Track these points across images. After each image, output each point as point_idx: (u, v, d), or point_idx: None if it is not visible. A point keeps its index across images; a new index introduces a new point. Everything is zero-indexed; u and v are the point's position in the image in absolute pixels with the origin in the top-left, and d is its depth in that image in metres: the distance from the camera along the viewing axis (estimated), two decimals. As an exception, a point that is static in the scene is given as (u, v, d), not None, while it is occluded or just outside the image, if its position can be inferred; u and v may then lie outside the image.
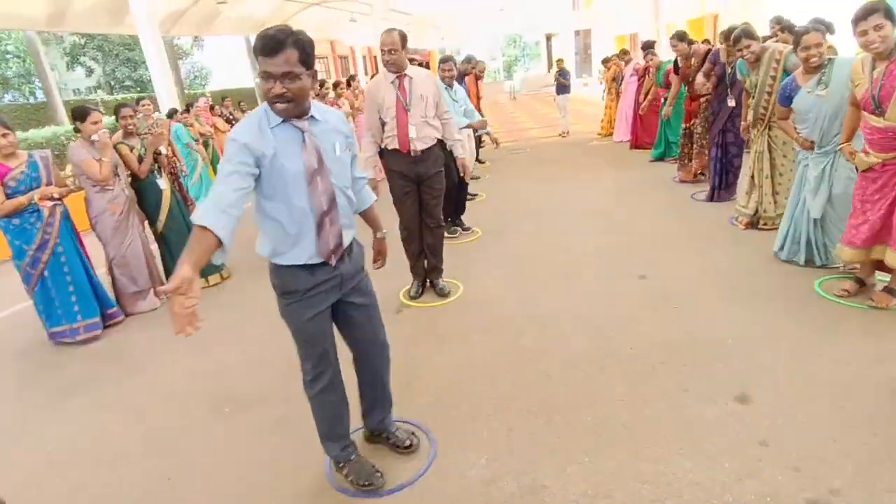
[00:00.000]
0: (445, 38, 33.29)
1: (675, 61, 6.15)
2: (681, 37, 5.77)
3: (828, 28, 5.75)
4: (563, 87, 11.06)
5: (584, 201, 5.88)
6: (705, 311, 3.16)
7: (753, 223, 4.28)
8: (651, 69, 7.65)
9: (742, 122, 4.28)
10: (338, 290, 1.94)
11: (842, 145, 2.88)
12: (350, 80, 9.84)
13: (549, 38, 34.85)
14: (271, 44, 1.59)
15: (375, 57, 30.46)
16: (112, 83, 25.42)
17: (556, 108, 11.60)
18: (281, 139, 1.73)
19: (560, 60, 11.74)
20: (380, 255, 2.25)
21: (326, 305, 1.92)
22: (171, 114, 7.18)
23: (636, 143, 8.50)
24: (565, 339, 3.03)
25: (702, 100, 5.56)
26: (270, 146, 1.71)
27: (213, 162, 8.64)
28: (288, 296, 1.87)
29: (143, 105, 6.46)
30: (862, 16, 2.48)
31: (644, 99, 8.03)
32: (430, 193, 3.60)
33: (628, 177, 6.86)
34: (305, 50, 1.66)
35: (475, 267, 4.33)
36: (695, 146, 5.89)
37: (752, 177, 4.12)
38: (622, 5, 24.44)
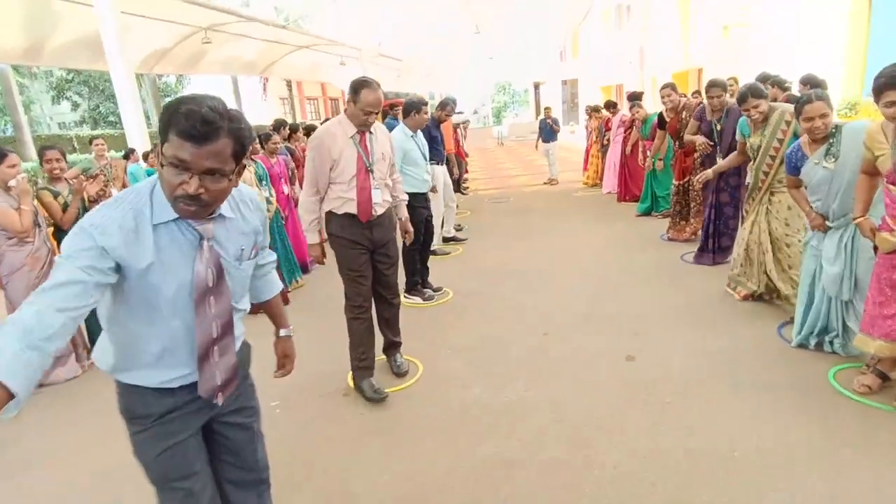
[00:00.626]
0: (435, 84, 33.71)
1: (661, 114, 5.87)
2: (673, 87, 5.52)
3: (819, 86, 5.59)
4: (550, 135, 10.89)
5: (568, 260, 5.44)
6: (703, 409, 2.67)
7: (756, 297, 3.83)
8: (637, 122, 7.43)
9: (709, 172, 4.12)
10: (208, 409, 1.40)
11: (858, 219, 2.48)
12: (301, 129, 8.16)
13: (536, 86, 35.52)
14: (201, 127, 1.13)
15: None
16: (96, 118, 25.13)
17: (542, 155, 11.38)
18: (164, 244, 1.24)
19: (548, 108, 11.62)
20: (286, 360, 1.71)
21: (189, 432, 1.38)
22: (128, 154, 6.72)
23: (624, 196, 8.19)
24: (537, 446, 2.50)
25: (696, 155, 5.26)
26: (147, 255, 1.21)
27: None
28: (134, 422, 1.35)
29: (96, 145, 6.03)
30: (888, 85, 2.12)
31: (631, 151, 7.81)
32: (387, 262, 3.12)
33: (615, 232, 6.48)
34: (243, 142, 1.22)
35: (441, 338, 3.82)
36: (692, 204, 5.53)
37: (746, 249, 3.71)
38: (608, 57, 24.96)
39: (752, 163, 3.64)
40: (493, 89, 50.16)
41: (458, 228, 7.05)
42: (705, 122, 4.71)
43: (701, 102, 7.07)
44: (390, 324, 3.27)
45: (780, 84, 5.88)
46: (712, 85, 4.40)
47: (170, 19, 12.04)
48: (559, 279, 4.85)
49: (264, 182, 4.94)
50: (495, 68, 32.44)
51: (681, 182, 5.60)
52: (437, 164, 5.76)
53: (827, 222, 2.80)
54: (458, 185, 10.32)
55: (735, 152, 3.89)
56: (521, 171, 14.43)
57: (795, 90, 5.90)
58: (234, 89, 20.45)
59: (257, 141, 5.03)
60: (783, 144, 3.37)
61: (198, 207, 1.21)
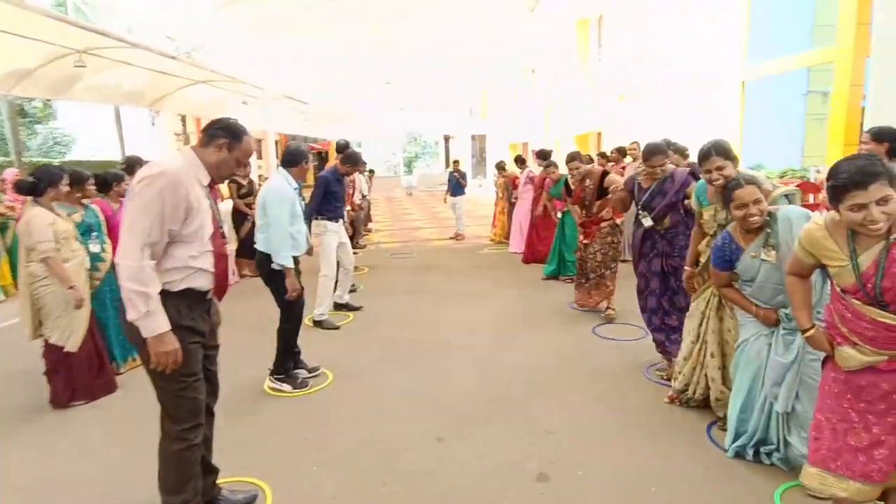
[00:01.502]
0: (344, 131, 33.22)
1: (566, 182, 5.45)
2: (579, 157, 5.17)
3: (680, 152, 5.49)
4: (458, 189, 10.55)
5: (469, 332, 4.80)
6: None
7: (683, 401, 3.23)
8: (549, 181, 7.14)
9: (687, 268, 3.22)
10: None
11: (809, 332, 1.98)
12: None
13: (447, 139, 36.17)
14: None
15: (277, 141, 29.38)
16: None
17: (450, 208, 11.02)
18: None
19: (456, 162, 11.35)
20: None
21: None
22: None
23: (529, 258, 7.83)
24: None
25: (603, 224, 4.92)
26: None
27: (12, 251, 6.71)
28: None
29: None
30: (861, 182, 1.63)
31: (542, 211, 7.56)
32: (215, 356, 2.28)
33: (522, 298, 5.97)
34: None
35: (306, 446, 2.95)
36: (591, 276, 5.09)
37: (693, 344, 3.08)
38: (515, 116, 25.94)
39: (705, 238, 3.05)
40: (404, 139, 50.61)
41: (353, 290, 6.25)
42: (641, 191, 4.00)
43: (604, 168, 6.90)
44: (209, 443, 2.36)
45: (680, 151, 5.82)
46: (653, 152, 3.64)
47: (34, 37, 10.49)
48: (461, 357, 4.17)
49: (95, 233, 3.88)
50: (407, 119, 32.62)
51: (583, 242, 5.15)
52: (334, 220, 5.04)
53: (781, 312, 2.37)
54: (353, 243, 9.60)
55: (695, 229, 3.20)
56: (427, 223, 13.97)
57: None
58: (116, 120, 18.52)
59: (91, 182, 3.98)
60: None
61: None
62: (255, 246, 3.52)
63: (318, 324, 4.94)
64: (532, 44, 22.42)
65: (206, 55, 15.41)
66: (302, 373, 3.73)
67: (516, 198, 8.69)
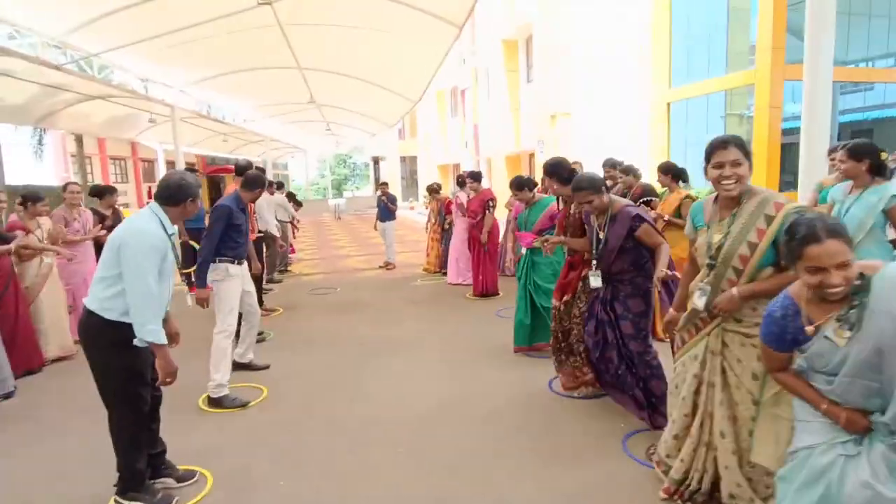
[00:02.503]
0: (269, 152, 31.55)
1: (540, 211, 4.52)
2: (591, 183, 4.11)
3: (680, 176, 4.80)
4: (387, 213, 9.67)
5: (404, 400, 3.85)
6: None
7: (686, 497, 2.37)
8: (517, 206, 5.91)
9: (672, 311, 2.49)
10: None
11: None
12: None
13: (376, 160, 35.35)
14: None
15: (194, 163, 27.24)
16: None
17: (379, 234, 10.12)
18: None
19: (384, 184, 10.38)
20: None
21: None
22: None
23: (480, 290, 6.96)
24: None
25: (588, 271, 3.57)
26: None
27: None
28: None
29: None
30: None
31: (485, 239, 6.87)
32: None
33: (470, 346, 4.96)
34: None
35: None
36: (574, 347, 3.66)
37: (688, 418, 2.35)
38: (444, 137, 25.57)
39: (704, 273, 2.26)
40: (332, 161, 49.24)
41: (260, 338, 5.19)
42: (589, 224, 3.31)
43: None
44: None
45: (631, 171, 5.29)
46: (579, 187, 3.06)
47: None
48: (394, 442, 3.23)
49: None
50: (334, 140, 31.53)
51: (560, 301, 3.76)
52: (236, 261, 3.99)
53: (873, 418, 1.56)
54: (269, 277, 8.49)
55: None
56: (355, 250, 12.96)
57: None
58: (-7, 139, 16.15)
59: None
60: (756, 252, 2.10)
61: None
62: (86, 304, 2.46)
63: (215, 402, 3.73)
64: (461, 63, 22.23)
65: (106, 69, 13.66)
66: (168, 482, 2.67)
67: (449, 224, 7.96)
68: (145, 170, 28.02)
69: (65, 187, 5.35)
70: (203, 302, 3.71)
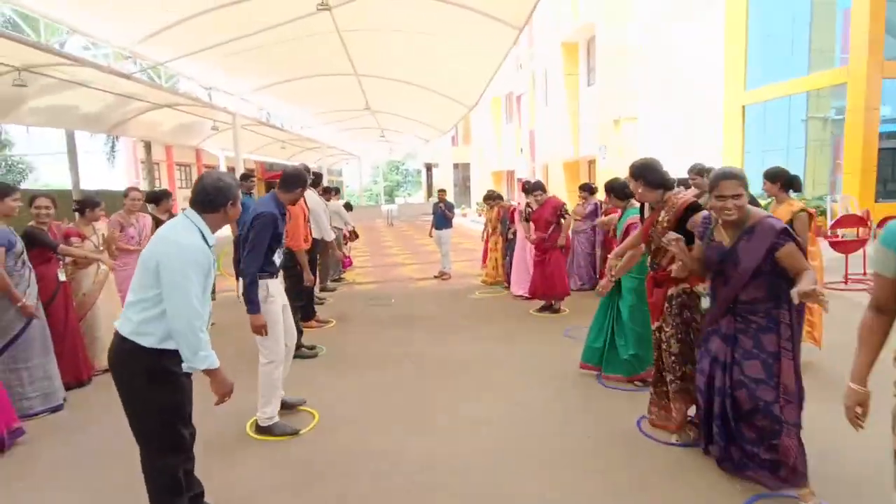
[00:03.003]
0: (324, 158, 32.10)
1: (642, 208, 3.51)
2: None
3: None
4: (443, 221, 9.29)
5: (466, 433, 3.41)
6: None
7: None
8: (609, 216, 5.64)
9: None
10: None
11: None
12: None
13: (429, 167, 35.30)
14: None
15: (253, 168, 27.98)
16: None
17: (434, 242, 9.79)
18: None
19: (442, 191, 10.05)
20: None
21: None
22: None
23: (545, 295, 6.50)
24: None
25: (673, 291, 3.02)
26: None
27: None
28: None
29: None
30: None
31: (562, 242, 6.40)
32: None
33: (538, 368, 4.50)
34: None
35: None
36: (669, 378, 3.08)
37: None
38: (498, 144, 25.13)
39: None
40: (385, 168, 49.74)
41: (313, 353, 4.91)
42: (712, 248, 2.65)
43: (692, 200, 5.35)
44: None
45: (705, 173, 4.68)
46: (725, 176, 2.45)
47: None
48: (453, 491, 2.79)
49: None
50: (388, 146, 31.74)
51: (657, 327, 3.18)
52: (274, 275, 3.48)
53: None
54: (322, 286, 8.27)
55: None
56: (409, 257, 12.70)
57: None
58: (69, 146, 17.03)
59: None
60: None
61: None
62: (118, 329, 2.15)
63: (264, 430, 3.39)
64: (517, 68, 21.76)
65: (172, 78, 14.13)
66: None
67: (514, 234, 7.50)
68: (208, 175, 29.04)
69: (126, 193, 5.30)
70: (261, 330, 3.26)
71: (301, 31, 10.74)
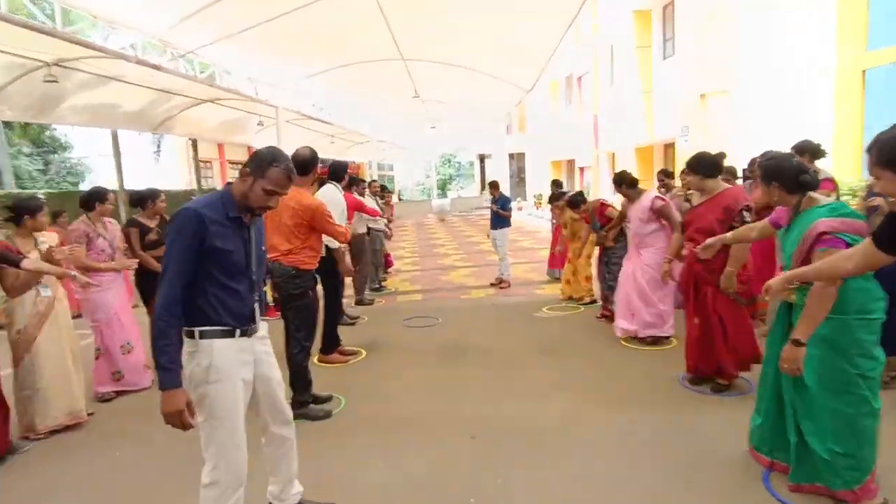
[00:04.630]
0: (374, 152, 31.23)
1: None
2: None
3: (816, 152, 4.09)
4: (500, 220, 7.78)
5: None
6: None
7: None
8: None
9: None
10: None
11: None
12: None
13: (482, 158, 33.80)
14: None
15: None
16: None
17: (488, 240, 8.30)
18: None
19: (494, 184, 8.29)
20: None
21: None
22: None
23: (697, 367, 3.77)
24: None
25: None
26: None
27: None
28: None
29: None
30: None
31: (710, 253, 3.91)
32: None
33: (664, 466, 2.79)
34: None
35: None
36: None
37: None
38: (558, 130, 23.22)
39: None
40: (437, 160, 48.55)
41: (322, 412, 3.58)
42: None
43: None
44: None
45: (810, 150, 4.11)
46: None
47: None
48: None
49: None
50: (439, 138, 30.47)
51: None
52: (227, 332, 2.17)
53: None
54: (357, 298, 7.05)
55: None
56: (460, 259, 11.23)
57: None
58: (113, 146, 16.71)
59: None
60: None
61: None
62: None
63: None
64: (579, 45, 19.79)
65: (209, 68, 13.35)
66: None
67: (613, 240, 5.43)
68: (260, 173, 28.84)
69: (104, 196, 4.18)
70: (177, 418, 1.92)
71: (344, 15, 9.59)
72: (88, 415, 3.69)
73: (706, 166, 3.55)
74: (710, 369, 3.65)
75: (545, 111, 24.74)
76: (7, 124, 18.93)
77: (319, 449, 3.11)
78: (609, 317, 5.43)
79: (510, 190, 27.16)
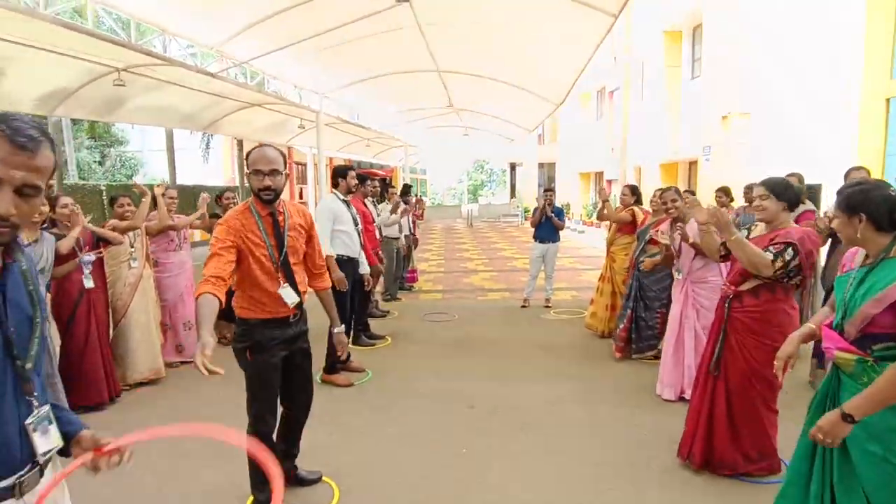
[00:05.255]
0: (408, 157, 32.09)
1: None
2: None
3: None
4: (549, 231, 6.86)
5: None
6: None
7: None
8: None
9: None
10: None
11: None
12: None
13: (513, 166, 34.32)
14: None
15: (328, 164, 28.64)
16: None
17: (531, 259, 7.27)
18: None
19: (549, 190, 7.31)
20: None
21: None
22: None
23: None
24: None
25: None
26: None
27: None
28: None
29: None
30: None
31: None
32: None
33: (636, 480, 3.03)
34: None
35: None
36: None
37: None
38: (587, 142, 23.64)
39: None
40: (470, 166, 49.22)
41: (357, 369, 4.30)
42: None
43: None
44: None
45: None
46: None
47: (70, 54, 9.65)
48: None
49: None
50: (471, 144, 31.14)
51: None
52: None
53: None
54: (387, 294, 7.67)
55: None
56: (482, 263, 11.87)
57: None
58: (168, 143, 18.03)
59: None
60: None
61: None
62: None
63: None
64: (610, 61, 20.22)
65: (257, 76, 14.42)
66: None
67: (650, 267, 4.55)
68: (299, 173, 30.06)
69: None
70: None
71: (381, 27, 10.35)
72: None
73: (792, 196, 2.78)
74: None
75: (575, 123, 25.20)
76: (75, 121, 20.47)
77: (343, 413, 3.84)
78: (625, 354, 4.90)
79: (538, 199, 27.61)
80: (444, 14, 9.37)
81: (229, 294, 2.33)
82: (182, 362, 4.95)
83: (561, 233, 7.11)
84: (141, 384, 4.33)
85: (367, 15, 8.97)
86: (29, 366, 1.14)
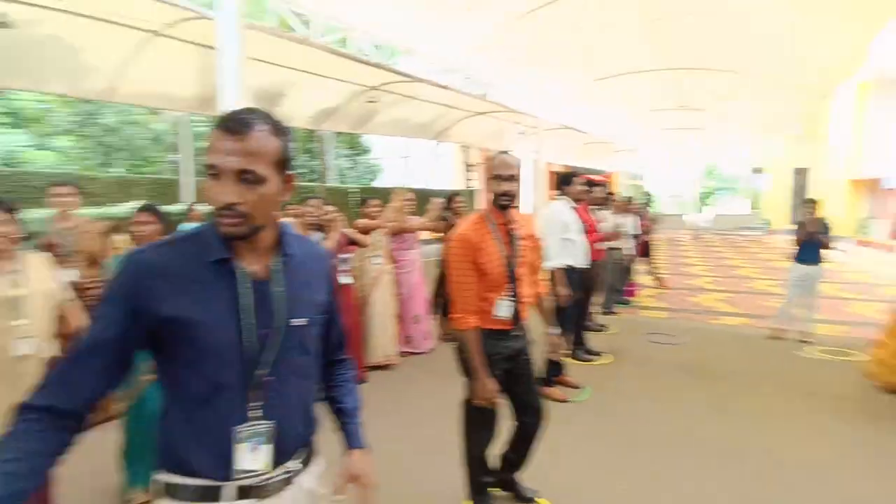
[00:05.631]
0: (626, 162, 30.44)
1: None
2: None
3: None
4: (811, 251, 5.79)
5: None
6: None
7: None
8: None
9: None
10: None
11: None
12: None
13: (756, 171, 29.87)
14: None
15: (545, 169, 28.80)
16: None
17: (788, 283, 6.17)
18: None
19: (812, 202, 6.09)
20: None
21: None
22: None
23: None
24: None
25: None
26: None
27: None
28: None
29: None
30: None
31: None
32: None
33: None
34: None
35: None
36: None
37: None
38: (861, 143, 19.20)
39: None
40: (699, 172, 44.44)
41: (568, 396, 4.11)
42: None
43: None
44: None
45: None
46: None
47: (335, 77, 11.63)
48: None
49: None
50: (702, 147, 28.05)
51: None
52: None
53: None
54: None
55: None
56: (711, 281, 10.48)
57: None
58: (404, 152, 20.14)
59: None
60: None
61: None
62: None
63: None
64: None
65: (481, 87, 15.27)
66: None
67: None
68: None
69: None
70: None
71: (605, 26, 9.97)
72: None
73: None
74: None
75: (847, 119, 20.70)
76: (337, 133, 24.41)
77: (563, 435, 3.68)
78: None
79: (794, 211, 23.47)
80: (673, 7, 8.64)
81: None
82: (409, 353, 5.38)
83: (822, 252, 5.78)
84: (375, 367, 4.83)
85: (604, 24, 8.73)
86: (260, 372, 1.13)
